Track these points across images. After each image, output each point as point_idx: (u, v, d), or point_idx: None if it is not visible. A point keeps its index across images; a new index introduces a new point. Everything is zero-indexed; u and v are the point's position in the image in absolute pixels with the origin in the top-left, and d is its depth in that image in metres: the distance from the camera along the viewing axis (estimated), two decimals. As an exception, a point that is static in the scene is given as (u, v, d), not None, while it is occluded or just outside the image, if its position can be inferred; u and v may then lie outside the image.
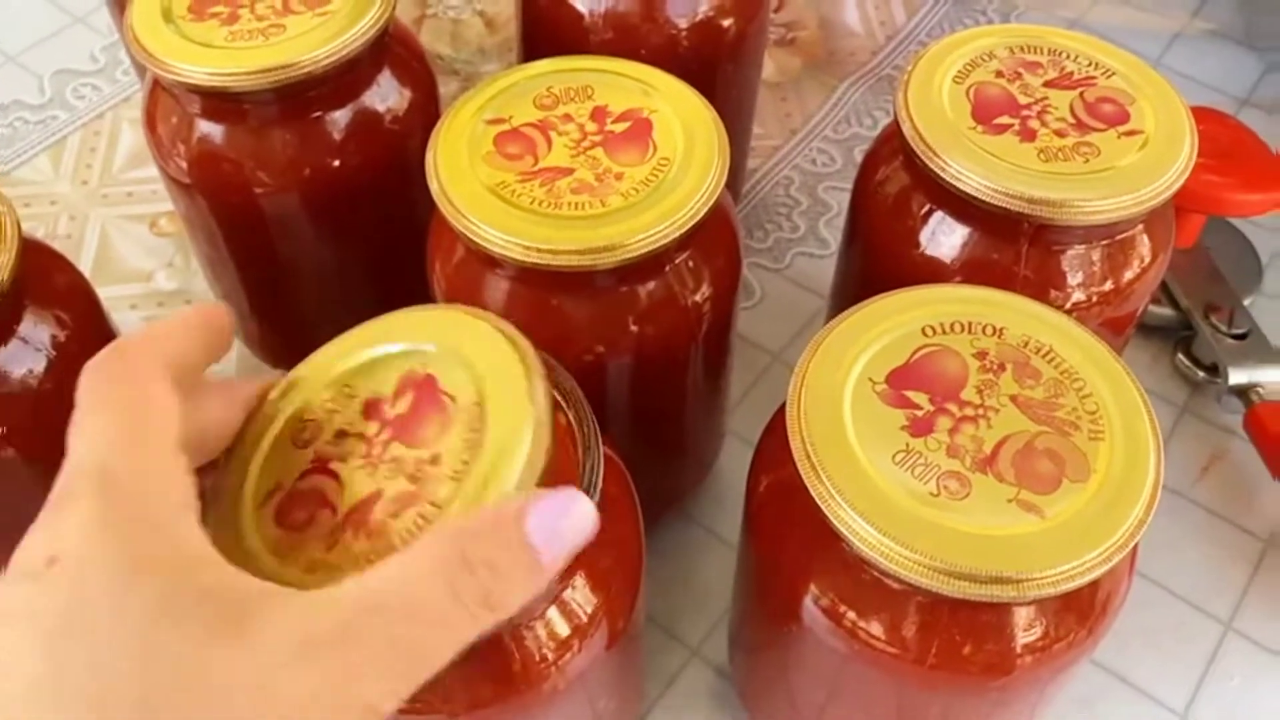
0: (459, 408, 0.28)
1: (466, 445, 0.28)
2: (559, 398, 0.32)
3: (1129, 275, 0.38)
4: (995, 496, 0.28)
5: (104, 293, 0.39)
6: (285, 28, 0.39)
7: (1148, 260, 0.38)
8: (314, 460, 0.29)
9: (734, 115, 0.51)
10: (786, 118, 0.63)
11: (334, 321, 0.48)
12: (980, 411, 0.30)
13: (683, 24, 0.46)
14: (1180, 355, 0.52)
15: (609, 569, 0.31)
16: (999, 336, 0.31)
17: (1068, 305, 0.37)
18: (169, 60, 0.38)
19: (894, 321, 0.31)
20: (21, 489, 0.36)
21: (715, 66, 0.48)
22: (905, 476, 0.28)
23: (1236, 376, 0.49)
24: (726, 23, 0.47)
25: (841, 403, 0.30)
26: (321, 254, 0.44)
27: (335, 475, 0.28)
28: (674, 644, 0.44)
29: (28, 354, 0.35)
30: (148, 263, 0.56)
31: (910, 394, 0.30)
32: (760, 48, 0.50)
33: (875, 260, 0.40)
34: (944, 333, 0.31)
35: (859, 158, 0.61)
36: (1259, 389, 0.48)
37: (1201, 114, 0.52)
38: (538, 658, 0.30)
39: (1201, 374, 0.51)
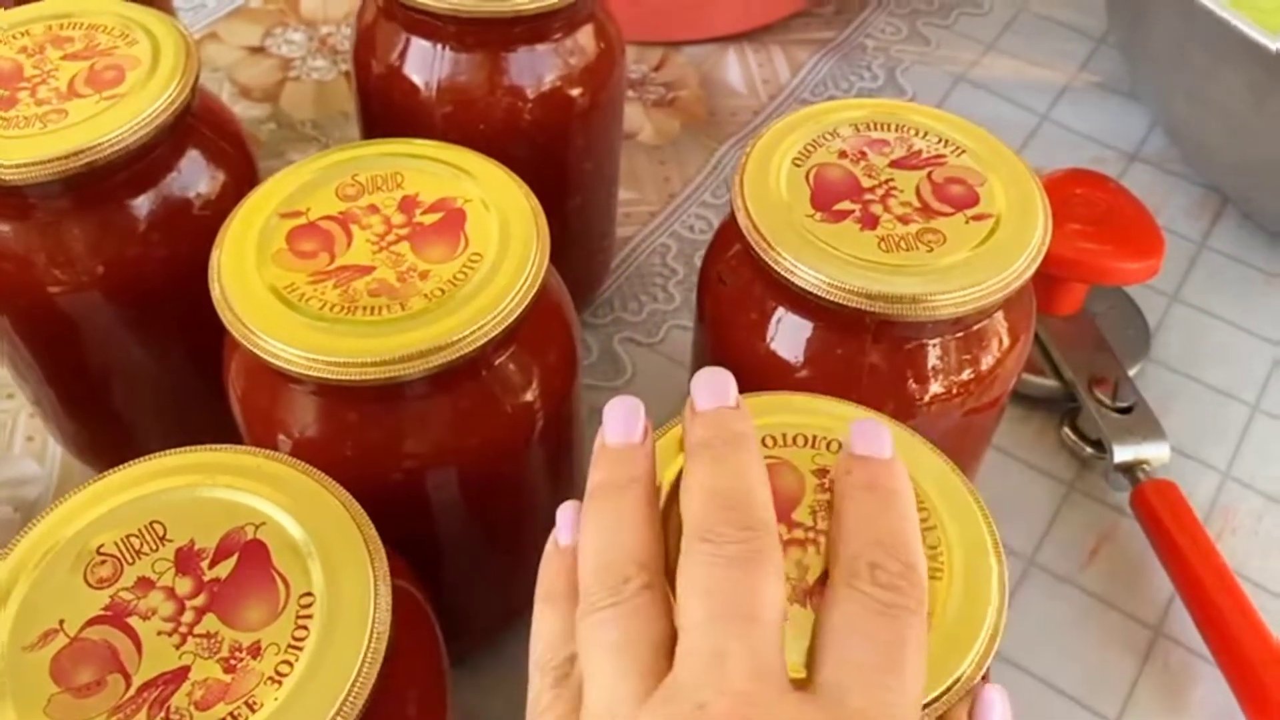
0: (290, 594, 0.26)
1: (293, 643, 0.25)
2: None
3: (987, 363, 0.35)
4: (808, 632, 0.25)
5: None
6: (67, 113, 0.36)
7: (1007, 345, 0.36)
8: (108, 607, 0.25)
9: (593, 185, 0.48)
10: (665, 182, 0.60)
11: (155, 422, 0.44)
12: (810, 535, 0.27)
13: (527, 95, 0.43)
14: (1066, 429, 0.49)
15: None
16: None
17: (926, 398, 0.35)
18: (-68, 152, 0.34)
19: None
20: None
21: (566, 139, 0.45)
22: None
23: (1122, 454, 0.46)
24: (575, 92, 0.44)
25: None
26: (132, 353, 0.41)
27: (133, 634, 0.25)
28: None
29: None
30: (-32, 353, 0.51)
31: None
32: (616, 116, 0.48)
33: (722, 351, 0.37)
34: (784, 445, 0.29)
35: (737, 223, 0.58)
36: (1145, 466, 0.46)
37: (1079, 177, 0.50)
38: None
39: (1088, 449, 0.48)
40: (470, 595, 0.39)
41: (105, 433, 0.45)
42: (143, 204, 0.38)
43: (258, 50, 0.66)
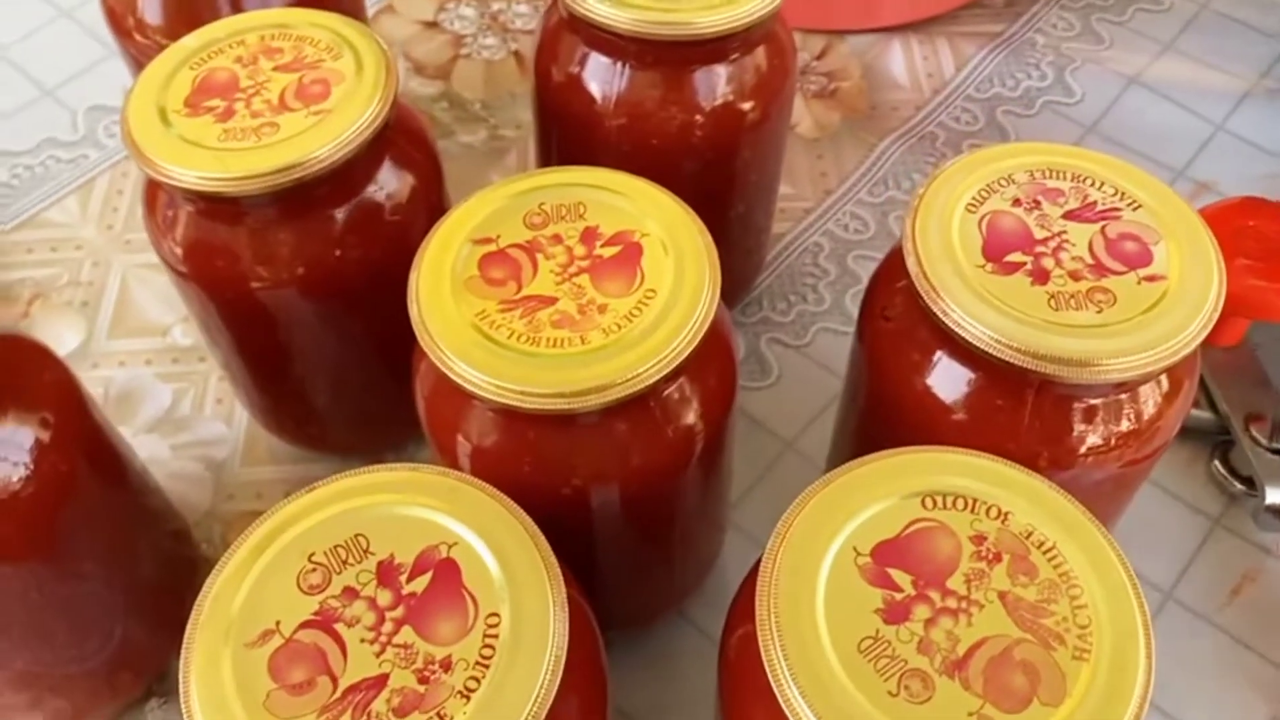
0: (479, 613, 0.28)
1: (480, 660, 0.28)
2: None
3: (1149, 416, 0.35)
4: (957, 706, 0.27)
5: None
6: (279, 126, 0.38)
7: (1170, 399, 0.36)
8: (318, 612, 0.28)
9: (754, 199, 0.49)
10: (821, 177, 0.61)
11: (339, 401, 0.48)
12: (963, 605, 0.28)
13: (701, 112, 0.44)
14: (1217, 463, 0.49)
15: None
16: (1002, 522, 0.29)
17: (1083, 450, 0.35)
18: (162, 163, 0.37)
19: (893, 487, 0.30)
20: (4, 593, 0.36)
21: (734, 152, 0.46)
22: (868, 669, 0.27)
23: (1274, 495, 0.46)
24: (747, 107, 0.45)
25: (819, 572, 0.28)
26: (323, 345, 0.44)
27: (339, 640, 0.28)
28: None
29: (5, 466, 0.35)
30: (166, 316, 0.56)
31: (894, 573, 0.28)
32: (784, 126, 0.48)
33: (879, 382, 0.38)
34: (944, 507, 0.30)
35: (893, 225, 0.59)
36: (1297, 510, 0.46)
37: (1252, 207, 0.49)
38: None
39: (1239, 485, 0.48)
40: (617, 597, 0.41)
41: (289, 409, 0.48)
42: (342, 211, 0.40)
43: (431, 25, 0.68)
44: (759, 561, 0.33)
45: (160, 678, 0.45)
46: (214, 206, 0.39)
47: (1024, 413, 0.34)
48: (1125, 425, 0.35)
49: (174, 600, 0.45)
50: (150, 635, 0.44)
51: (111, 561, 0.41)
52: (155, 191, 0.41)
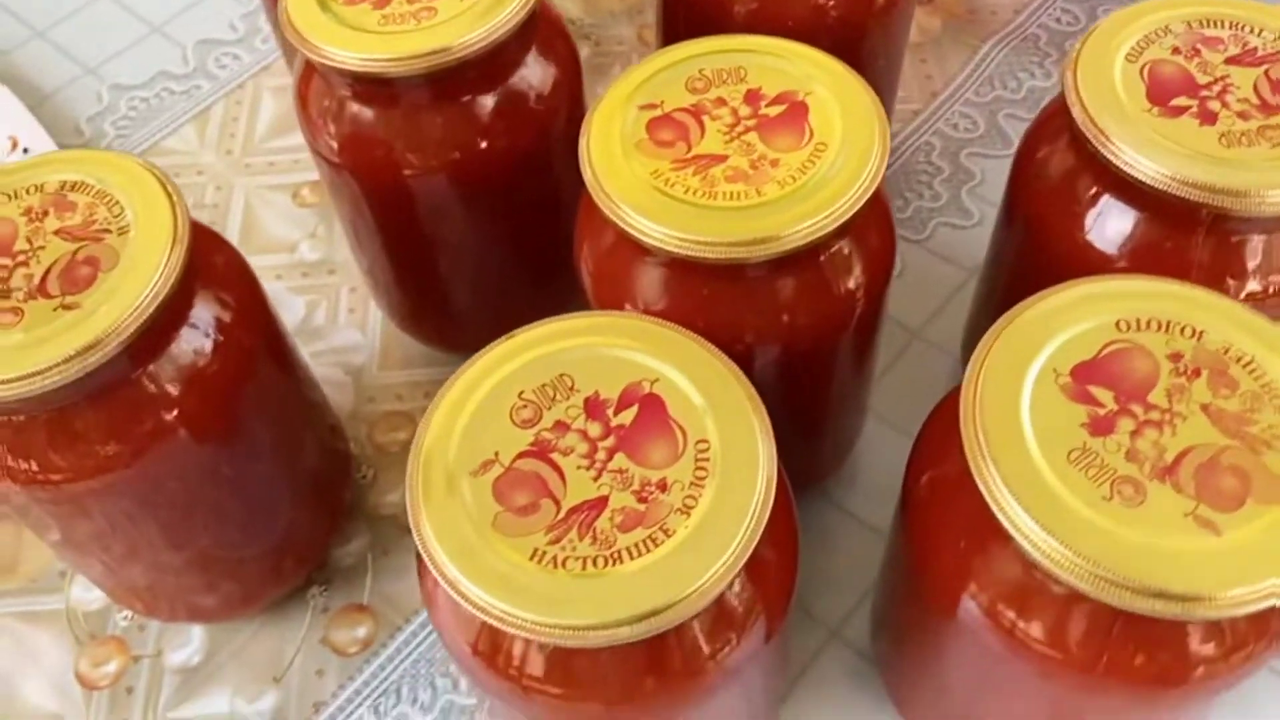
0: (688, 441, 0.29)
1: (695, 481, 0.28)
2: None
3: (1310, 266, 0.36)
4: (1171, 508, 0.27)
5: (251, 262, 0.40)
6: (436, 11, 0.39)
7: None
8: (534, 444, 0.29)
9: (880, 84, 0.49)
10: (927, 79, 0.61)
11: (478, 299, 0.49)
12: (1166, 417, 0.29)
13: (830, -12, 0.44)
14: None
15: (768, 563, 0.31)
16: (1197, 339, 0.30)
17: (1243, 295, 0.35)
18: (324, 46, 0.38)
19: (1086, 312, 0.30)
20: (194, 469, 0.37)
21: (863, 35, 0.46)
22: (1079, 477, 0.28)
23: None
24: (875, -14, 0.45)
25: (1021, 391, 0.29)
26: (467, 233, 0.45)
27: (557, 467, 0.29)
28: (813, 624, 0.44)
29: (197, 338, 0.36)
30: (292, 233, 0.57)
31: (1095, 390, 0.29)
32: (909, 12, 0.49)
33: (1035, 242, 0.39)
34: (1139, 329, 0.30)
35: (1003, 122, 0.59)
36: None
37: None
38: (699, 652, 0.30)
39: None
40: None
41: (430, 307, 0.49)
42: (491, 97, 0.41)
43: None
44: (945, 399, 0.34)
45: (320, 566, 0.46)
46: (371, 90, 0.40)
47: (1193, 254, 0.35)
48: (1289, 271, 0.35)
49: (332, 491, 0.46)
50: (312, 523, 0.45)
51: (283, 447, 0.42)
52: (309, 85, 0.42)
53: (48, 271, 0.34)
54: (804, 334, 0.36)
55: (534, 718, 0.33)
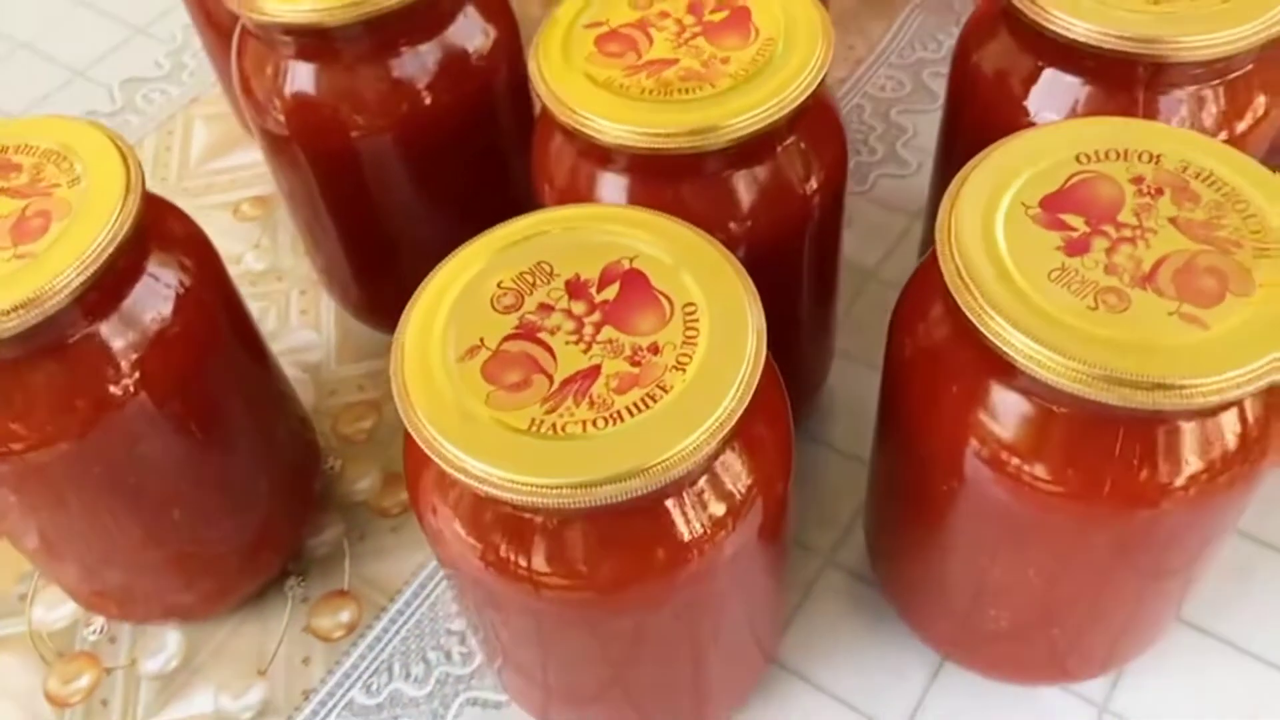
0: (675, 306, 0.29)
1: (686, 340, 0.28)
2: None
3: (1247, 121, 0.37)
4: (1156, 310, 0.27)
5: None
6: (372, -37, 0.39)
7: (1265, 105, 0.37)
8: (519, 327, 0.29)
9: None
10: (850, 50, 0.63)
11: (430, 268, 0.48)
12: (1138, 233, 0.29)
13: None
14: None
15: (763, 440, 0.31)
16: (1155, 163, 0.30)
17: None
18: (267, 4, 0.38)
19: (1046, 150, 0.31)
20: (154, 432, 0.36)
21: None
22: (1062, 293, 0.28)
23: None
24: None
25: (994, 226, 0.29)
26: (416, 196, 0.45)
27: (545, 345, 0.28)
28: (806, 553, 0.44)
29: (156, 296, 0.35)
30: (236, 246, 0.56)
31: (1065, 217, 0.29)
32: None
33: (979, 131, 0.39)
34: (1099, 160, 0.31)
35: (927, 80, 0.61)
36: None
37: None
38: (701, 519, 0.29)
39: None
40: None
41: (382, 281, 0.49)
42: (430, 51, 0.41)
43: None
44: (917, 270, 0.34)
45: (295, 557, 0.45)
46: (312, 46, 0.40)
47: (1136, 111, 0.36)
48: (1227, 129, 0.37)
49: (304, 482, 0.45)
50: (287, 514, 0.44)
51: (256, 436, 0.41)
52: (248, 64, 0.42)
53: (-6, 228, 0.33)
54: (767, 231, 0.36)
55: (542, 626, 0.32)
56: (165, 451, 0.37)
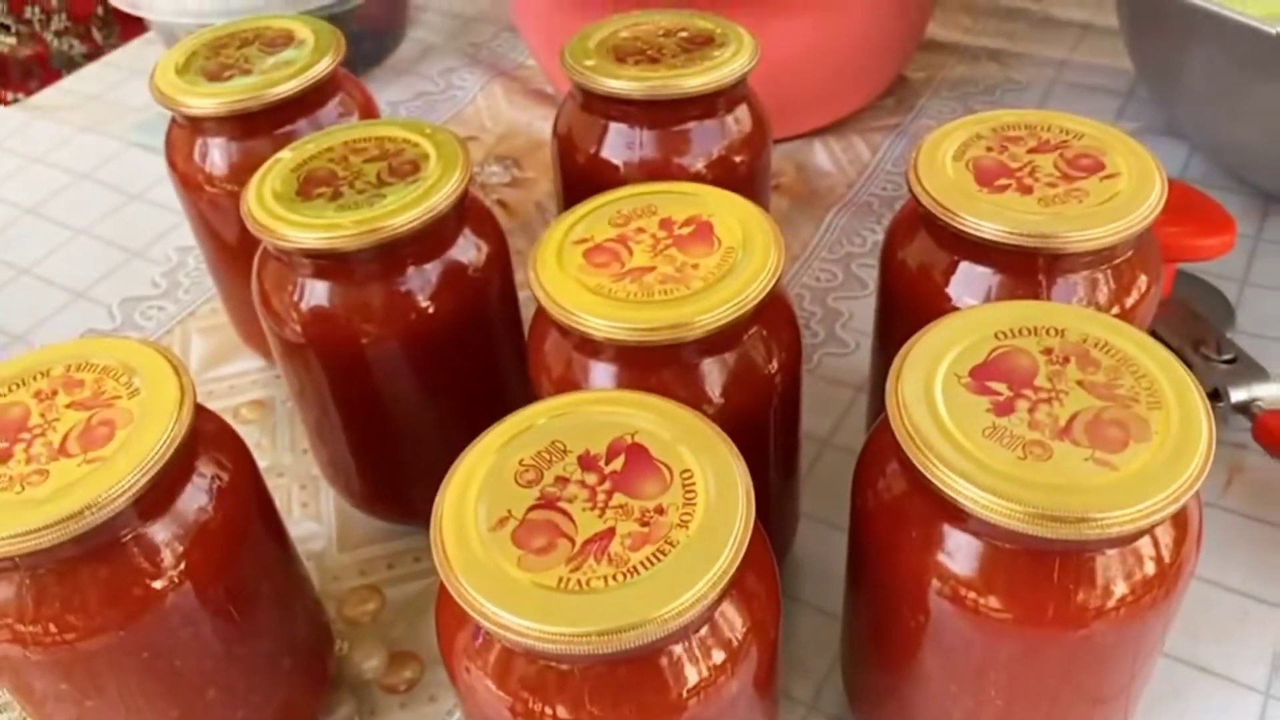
0: (674, 473, 0.34)
1: (687, 501, 0.33)
2: None
3: (1132, 298, 0.44)
4: (1074, 457, 0.33)
5: None
6: (385, 197, 0.46)
7: (1145, 284, 0.44)
8: (541, 498, 0.34)
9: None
10: (785, 248, 0.70)
11: (431, 468, 0.53)
12: (1053, 394, 0.35)
13: (701, 163, 0.53)
14: (1182, 389, 0.57)
15: (755, 592, 0.35)
16: (1061, 336, 0.37)
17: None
18: (286, 231, 0.44)
19: (969, 331, 0.37)
20: (196, 618, 0.39)
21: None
22: (996, 447, 0.33)
23: (1237, 395, 0.55)
24: (738, 159, 0.54)
25: (934, 394, 0.35)
26: (418, 394, 0.50)
27: (565, 513, 0.33)
28: (790, 703, 0.47)
29: (201, 492, 0.39)
30: (237, 447, 0.60)
31: (991, 384, 0.35)
32: (767, 180, 0.58)
33: (911, 314, 0.46)
34: (1014, 336, 0.37)
35: (856, 270, 0.68)
36: (1258, 403, 0.54)
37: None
38: (700, 674, 0.33)
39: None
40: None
41: (390, 482, 0.53)
42: (433, 268, 0.47)
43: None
44: (871, 435, 0.40)
45: (310, 737, 0.47)
46: (328, 265, 0.46)
47: (1040, 295, 0.42)
48: (1115, 309, 0.44)
49: (320, 661, 0.48)
50: (306, 692, 0.47)
51: (282, 617, 0.44)
52: (266, 280, 0.48)
53: (65, 437, 0.37)
54: (738, 408, 0.42)
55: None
56: (205, 635, 0.40)
